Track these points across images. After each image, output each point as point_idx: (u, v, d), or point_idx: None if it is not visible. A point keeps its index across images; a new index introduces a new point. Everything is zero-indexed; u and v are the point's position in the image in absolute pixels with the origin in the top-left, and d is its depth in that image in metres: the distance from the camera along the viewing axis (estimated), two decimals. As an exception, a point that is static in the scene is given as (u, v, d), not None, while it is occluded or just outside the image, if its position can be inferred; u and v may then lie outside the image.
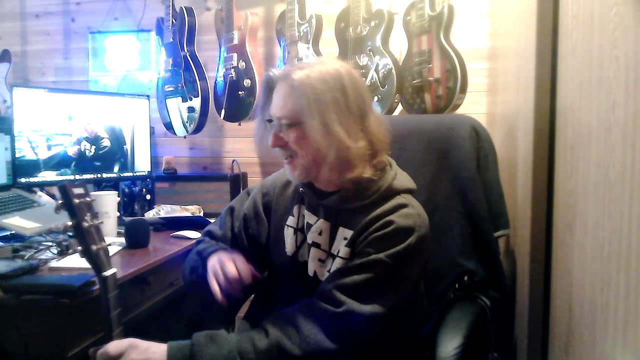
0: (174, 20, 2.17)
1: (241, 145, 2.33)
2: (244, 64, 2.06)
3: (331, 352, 0.93)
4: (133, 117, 2.08)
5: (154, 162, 2.23)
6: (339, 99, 0.97)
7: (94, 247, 0.92)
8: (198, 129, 2.19)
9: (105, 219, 1.61)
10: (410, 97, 1.86)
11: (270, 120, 1.04)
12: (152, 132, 2.20)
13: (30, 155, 1.74)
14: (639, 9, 0.70)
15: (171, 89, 2.20)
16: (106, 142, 1.98)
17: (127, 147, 2.06)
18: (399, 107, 1.95)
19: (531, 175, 1.20)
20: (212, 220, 1.36)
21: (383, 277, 0.96)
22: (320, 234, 1.07)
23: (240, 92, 2.06)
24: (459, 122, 1.37)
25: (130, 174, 2.08)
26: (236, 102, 2.08)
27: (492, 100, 2.02)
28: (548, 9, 1.15)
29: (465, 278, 1.28)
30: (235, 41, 2.08)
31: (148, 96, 2.16)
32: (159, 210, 1.96)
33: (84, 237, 0.91)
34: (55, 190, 1.89)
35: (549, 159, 1.16)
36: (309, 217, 1.10)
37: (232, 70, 2.07)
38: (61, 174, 1.83)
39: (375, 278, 0.96)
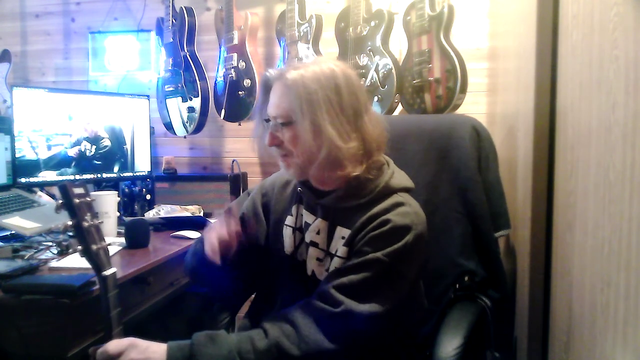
0: (174, 20, 2.17)
1: (241, 145, 2.33)
2: (244, 64, 2.06)
3: (330, 352, 0.93)
4: (133, 117, 2.08)
5: (154, 162, 2.23)
6: (332, 98, 0.97)
7: (94, 247, 0.92)
8: (198, 129, 2.19)
9: (105, 219, 1.61)
10: (410, 97, 1.86)
11: (268, 120, 1.05)
12: (152, 132, 2.20)
13: (30, 155, 1.74)
14: (639, 9, 0.70)
15: (171, 89, 2.20)
16: (106, 142, 1.98)
17: (127, 147, 2.06)
18: (399, 107, 1.95)
19: (531, 175, 1.20)
20: (212, 220, 1.36)
21: (381, 276, 0.96)
22: (318, 233, 1.07)
23: (240, 92, 2.06)
24: (459, 122, 1.37)
25: (130, 174, 2.08)
26: (236, 102, 2.08)
27: (492, 100, 2.02)
28: (548, 9, 1.15)
29: (466, 278, 1.28)
30: (235, 41, 2.08)
31: (148, 96, 2.16)
32: (159, 210, 1.96)
33: (84, 236, 0.92)
34: (55, 190, 1.89)
35: (549, 159, 1.16)
36: (307, 217, 1.11)
37: (232, 70, 2.07)
38: (61, 174, 1.83)
39: (373, 277, 0.96)
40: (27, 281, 1.15)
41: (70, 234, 0.94)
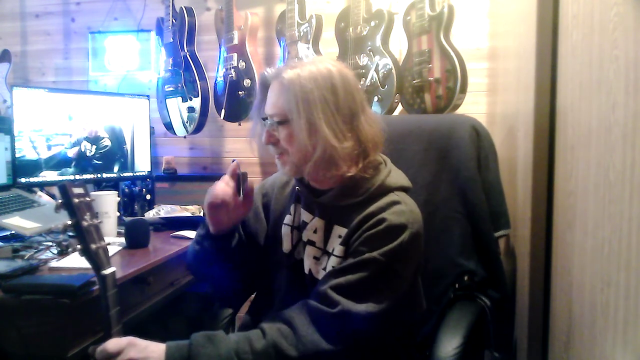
0: (174, 20, 2.17)
1: (241, 145, 2.33)
2: (244, 64, 2.06)
3: (328, 353, 0.93)
4: (133, 117, 2.08)
5: (154, 162, 2.23)
6: (328, 98, 0.98)
7: (93, 246, 0.92)
8: (198, 129, 2.19)
9: (105, 219, 1.61)
10: (410, 97, 1.86)
11: (265, 119, 1.06)
12: (152, 132, 2.20)
13: (30, 155, 1.74)
14: (639, 9, 0.70)
15: (171, 89, 2.20)
16: (106, 142, 1.98)
17: (127, 147, 2.06)
18: (399, 107, 1.95)
19: (531, 175, 1.20)
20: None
21: (377, 275, 0.96)
22: (315, 231, 1.08)
23: (240, 92, 2.06)
24: (459, 122, 1.37)
25: (130, 174, 2.08)
26: (236, 102, 2.08)
27: (492, 100, 2.02)
28: (548, 9, 1.15)
29: (466, 278, 1.28)
30: (235, 41, 2.08)
31: (148, 96, 2.16)
32: (159, 210, 1.96)
33: (83, 236, 0.92)
34: (55, 190, 1.89)
35: (549, 159, 1.16)
36: (305, 216, 1.11)
37: (232, 70, 2.07)
38: (61, 174, 1.83)
39: (370, 277, 0.96)
40: (27, 281, 1.15)
41: (71, 233, 0.94)
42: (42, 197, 1.83)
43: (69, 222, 0.92)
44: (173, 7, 2.18)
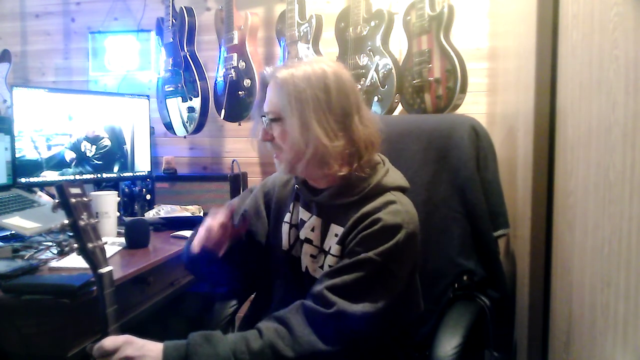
0: (174, 20, 2.17)
1: (241, 145, 2.33)
2: (244, 64, 2.06)
3: (324, 354, 0.93)
4: (133, 117, 2.08)
5: (154, 162, 2.23)
6: (320, 97, 0.99)
7: (90, 245, 0.93)
8: (198, 129, 2.19)
9: (105, 219, 1.61)
10: (410, 97, 1.86)
11: (264, 116, 1.07)
12: (152, 132, 2.20)
13: (30, 155, 1.74)
14: (639, 9, 0.70)
15: (171, 89, 2.20)
16: (106, 142, 1.98)
17: (127, 147, 2.06)
18: (399, 107, 1.95)
19: (531, 175, 1.20)
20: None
21: (373, 275, 0.97)
22: (312, 230, 1.09)
23: (240, 92, 2.06)
24: (459, 122, 1.37)
25: (130, 174, 2.08)
26: (236, 102, 2.08)
27: (492, 100, 2.02)
28: (548, 9, 1.15)
29: (465, 278, 1.28)
30: (235, 41, 2.08)
31: (148, 96, 2.16)
32: (159, 210, 1.96)
33: (80, 235, 0.92)
34: (54, 190, 1.89)
35: (549, 159, 1.16)
36: (303, 214, 1.12)
37: (232, 70, 2.07)
38: (61, 174, 1.83)
39: (366, 277, 0.96)
40: (27, 281, 1.15)
41: (70, 233, 0.94)
42: (42, 197, 1.83)
43: (66, 222, 0.93)
44: (173, 7, 2.18)
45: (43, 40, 2.56)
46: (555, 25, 1.14)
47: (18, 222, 1.51)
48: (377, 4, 1.95)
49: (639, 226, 0.69)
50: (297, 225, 1.13)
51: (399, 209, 1.00)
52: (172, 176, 2.21)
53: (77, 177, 1.87)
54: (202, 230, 1.07)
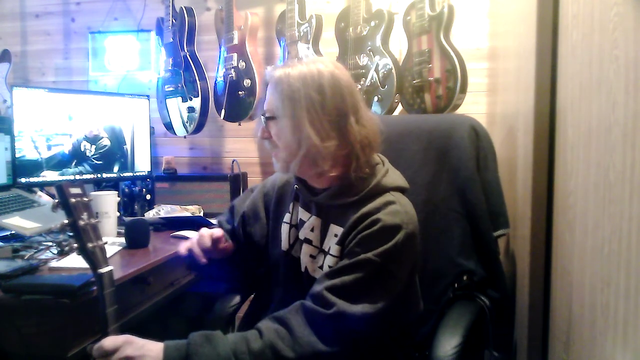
0: (174, 20, 2.17)
1: (241, 145, 2.33)
2: (244, 64, 2.06)
3: (324, 354, 0.93)
4: (133, 117, 2.08)
5: (154, 162, 2.23)
6: (314, 97, 1.00)
7: (89, 245, 0.93)
8: (198, 129, 2.19)
9: (105, 219, 1.61)
10: (410, 97, 1.86)
11: (263, 114, 1.08)
12: (152, 132, 2.20)
13: (30, 155, 1.74)
14: (639, 9, 0.70)
15: (171, 89, 2.20)
16: (106, 142, 1.98)
17: (127, 147, 2.06)
18: (399, 107, 1.95)
19: (531, 175, 1.20)
20: (212, 220, 1.37)
21: (372, 276, 0.97)
22: (312, 230, 1.09)
23: (240, 92, 2.06)
24: (459, 122, 1.37)
25: (130, 174, 2.08)
26: (236, 102, 2.08)
27: (492, 100, 2.02)
28: (548, 9, 1.15)
29: (465, 278, 1.28)
30: (235, 41, 2.08)
31: (148, 96, 2.16)
32: (159, 210, 1.96)
33: (80, 235, 0.92)
34: (54, 190, 1.89)
35: (549, 159, 1.16)
36: (303, 214, 1.12)
37: (232, 70, 2.07)
38: (61, 174, 1.83)
39: (365, 277, 0.96)
40: (27, 281, 1.15)
41: (70, 233, 0.94)
42: (42, 197, 1.83)
43: (66, 222, 0.93)
44: (173, 7, 2.18)
45: (43, 40, 2.56)
46: (555, 25, 1.14)
47: (18, 222, 1.51)
48: (377, 4, 1.95)
49: (639, 226, 0.69)
50: (296, 226, 1.14)
51: (398, 210, 1.00)
52: (172, 176, 2.21)
53: (77, 177, 1.87)
54: (195, 236, 1.13)
